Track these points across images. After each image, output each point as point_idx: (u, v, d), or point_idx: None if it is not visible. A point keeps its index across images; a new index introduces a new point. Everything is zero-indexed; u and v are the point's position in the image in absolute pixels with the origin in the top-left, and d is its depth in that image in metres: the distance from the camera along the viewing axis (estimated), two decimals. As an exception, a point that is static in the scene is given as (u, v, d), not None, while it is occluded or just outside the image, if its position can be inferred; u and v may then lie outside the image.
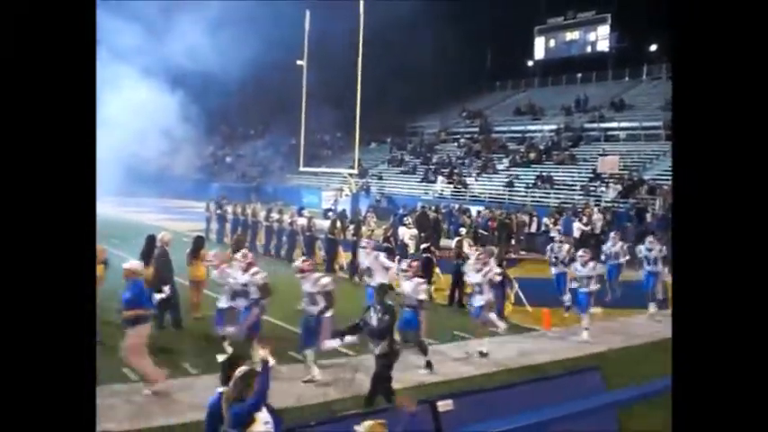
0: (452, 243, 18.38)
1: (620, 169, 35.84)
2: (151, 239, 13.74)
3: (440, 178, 42.86)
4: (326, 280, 11.38)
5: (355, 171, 40.10)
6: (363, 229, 22.83)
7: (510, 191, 38.40)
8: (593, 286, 14.18)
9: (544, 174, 38.65)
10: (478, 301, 12.96)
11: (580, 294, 14.22)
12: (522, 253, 26.26)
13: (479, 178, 42.09)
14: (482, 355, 12.29)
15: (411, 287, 11.66)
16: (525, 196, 37.13)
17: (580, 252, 15.08)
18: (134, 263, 10.28)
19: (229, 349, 10.92)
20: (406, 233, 21.41)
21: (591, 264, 14.40)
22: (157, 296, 12.35)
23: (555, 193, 36.47)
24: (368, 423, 5.57)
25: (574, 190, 36.25)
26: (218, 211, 26.93)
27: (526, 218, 29.78)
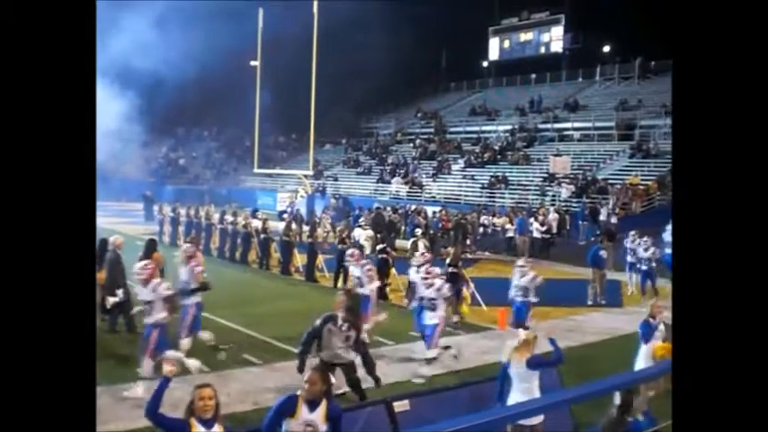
0: (408, 244, 18.32)
1: (573, 169, 36.22)
2: (103, 243, 13.45)
3: (395, 179, 42.87)
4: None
5: (310, 172, 39.88)
6: (319, 230, 22.72)
7: (465, 191, 38.58)
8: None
9: (499, 174, 38.90)
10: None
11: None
12: (479, 253, 26.36)
13: (436, 179, 42.19)
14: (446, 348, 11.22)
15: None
16: (480, 196, 37.30)
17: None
18: None
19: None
20: (362, 234, 21.32)
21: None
22: (111, 300, 12.07)
23: (510, 194, 36.70)
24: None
25: (528, 190, 36.53)
26: (172, 214, 26.54)
27: (483, 218, 29.76)
